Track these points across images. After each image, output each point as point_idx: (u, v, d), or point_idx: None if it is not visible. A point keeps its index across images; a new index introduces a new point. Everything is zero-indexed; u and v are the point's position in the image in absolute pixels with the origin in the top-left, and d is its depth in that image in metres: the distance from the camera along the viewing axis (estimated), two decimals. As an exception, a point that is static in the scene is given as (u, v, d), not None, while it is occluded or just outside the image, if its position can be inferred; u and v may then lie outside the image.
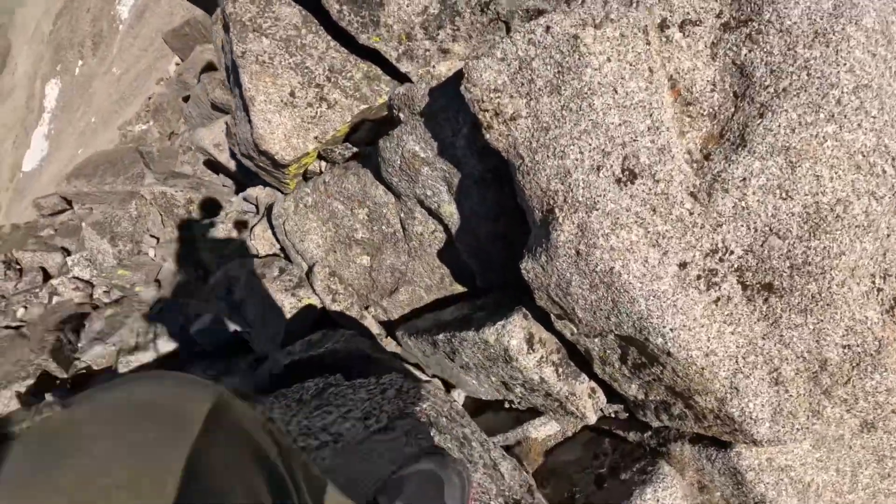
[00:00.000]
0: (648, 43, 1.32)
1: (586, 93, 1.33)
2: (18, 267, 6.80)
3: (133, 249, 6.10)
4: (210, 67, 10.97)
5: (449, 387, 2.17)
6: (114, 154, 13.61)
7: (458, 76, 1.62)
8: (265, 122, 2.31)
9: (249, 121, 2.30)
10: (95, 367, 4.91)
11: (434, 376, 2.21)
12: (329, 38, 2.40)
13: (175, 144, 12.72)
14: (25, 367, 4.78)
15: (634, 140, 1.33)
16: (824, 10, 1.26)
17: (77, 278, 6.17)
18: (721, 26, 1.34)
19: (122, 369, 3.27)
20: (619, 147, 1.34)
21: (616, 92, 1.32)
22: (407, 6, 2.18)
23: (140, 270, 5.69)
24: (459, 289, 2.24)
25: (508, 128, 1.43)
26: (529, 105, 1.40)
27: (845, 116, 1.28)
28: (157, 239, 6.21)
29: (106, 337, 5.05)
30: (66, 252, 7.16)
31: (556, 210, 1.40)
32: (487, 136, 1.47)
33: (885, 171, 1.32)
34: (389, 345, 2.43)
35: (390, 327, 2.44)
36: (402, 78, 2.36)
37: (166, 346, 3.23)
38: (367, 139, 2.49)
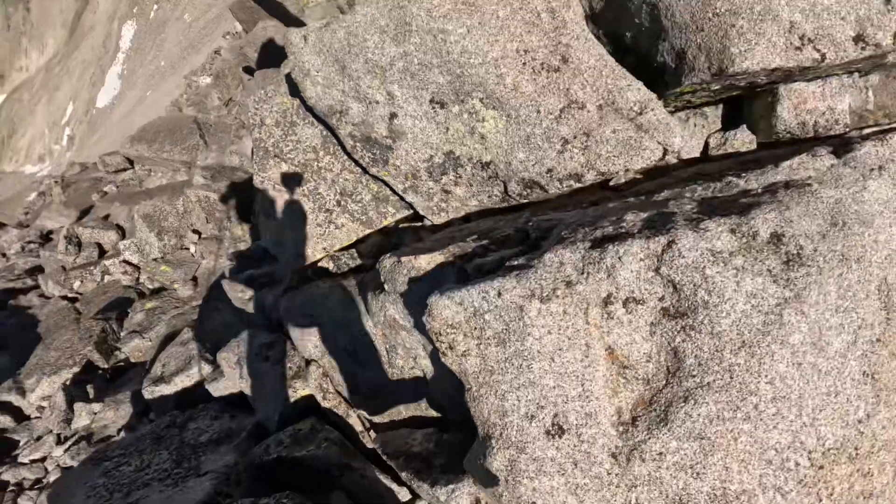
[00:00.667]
0: (588, 322, 1.44)
1: (526, 356, 1.47)
2: (78, 241, 7.40)
3: (177, 244, 6.55)
4: (271, 44, 11.27)
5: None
6: (174, 122, 14.19)
7: (434, 275, 1.77)
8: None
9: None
10: (133, 360, 5.43)
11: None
12: (344, 158, 2.57)
13: (230, 116, 13.17)
14: (73, 355, 5.32)
15: (566, 402, 1.47)
16: (753, 325, 1.34)
17: (126, 262, 6.69)
18: (662, 310, 1.44)
19: (147, 396, 3.64)
20: (552, 405, 1.48)
21: (553, 360, 1.46)
22: (414, 153, 2.31)
23: (181, 268, 6.13)
24: (433, 413, 2.44)
25: (461, 359, 1.59)
26: (479, 348, 1.55)
27: (762, 419, 1.37)
28: (199, 234, 6.63)
29: (144, 331, 5.54)
30: (121, 230, 7.72)
31: (493, 440, 1.57)
32: (443, 358, 1.63)
33: (798, 465, 1.41)
34: (369, 441, 2.67)
35: (374, 425, 2.67)
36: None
37: (186, 381, 3.58)
38: (372, 251, 2.68)
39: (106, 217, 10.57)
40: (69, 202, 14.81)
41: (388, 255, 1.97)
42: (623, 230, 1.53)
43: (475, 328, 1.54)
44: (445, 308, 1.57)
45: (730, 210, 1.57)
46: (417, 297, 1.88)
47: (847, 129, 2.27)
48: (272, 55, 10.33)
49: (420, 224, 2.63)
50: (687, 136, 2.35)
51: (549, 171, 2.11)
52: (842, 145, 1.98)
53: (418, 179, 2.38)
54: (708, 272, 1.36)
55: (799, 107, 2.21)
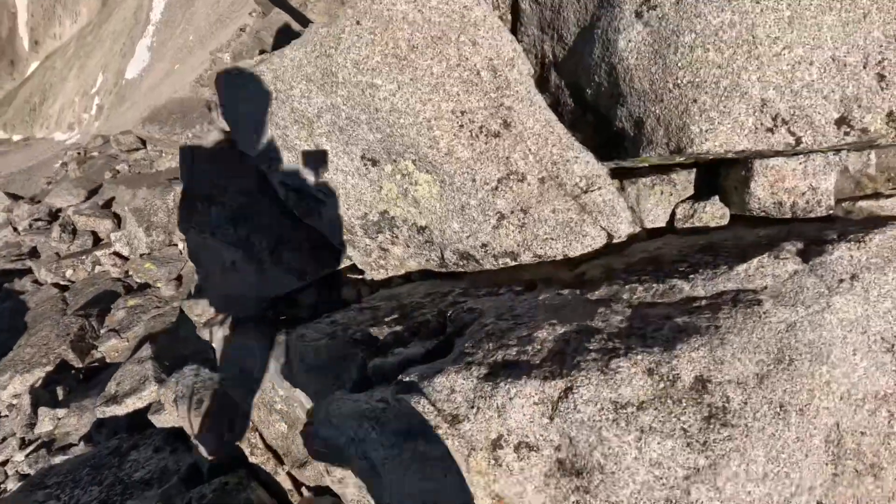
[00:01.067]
0: (469, 471, 1.24)
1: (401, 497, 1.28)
2: (73, 228, 7.40)
3: (165, 240, 6.48)
4: (287, 28, 11.05)
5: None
6: (186, 103, 14.18)
7: (335, 363, 1.58)
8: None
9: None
10: (108, 360, 5.40)
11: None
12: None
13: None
14: (48, 353, 5.31)
15: (442, 553, 1.28)
16: (655, 501, 1.13)
17: (117, 254, 6.66)
18: (557, 461, 1.24)
19: (99, 416, 3.57)
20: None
21: (429, 507, 1.27)
22: (347, 209, 2.11)
23: (165, 266, 6.06)
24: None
25: (339, 484, 1.41)
26: (354, 478, 1.37)
27: None
28: (190, 230, 6.52)
29: (122, 330, 5.50)
30: (117, 219, 7.70)
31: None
32: (325, 476, 1.45)
33: None
34: (296, 498, 2.53)
35: (300, 486, 2.53)
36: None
37: (137, 403, 3.49)
38: (312, 301, 2.51)
39: (110, 200, 10.64)
40: (83, 178, 14.98)
41: (286, 331, 1.79)
42: (526, 357, 1.31)
43: (350, 457, 1.36)
44: (325, 428, 1.39)
45: (657, 337, 1.35)
46: (315, 386, 1.71)
47: (830, 212, 2.00)
48: (288, 40, 10.12)
49: (361, 277, 2.45)
50: (652, 203, 2.10)
51: (484, 245, 1.90)
52: (814, 243, 1.72)
53: (354, 235, 2.19)
54: (605, 434, 1.15)
55: (776, 185, 1.94)
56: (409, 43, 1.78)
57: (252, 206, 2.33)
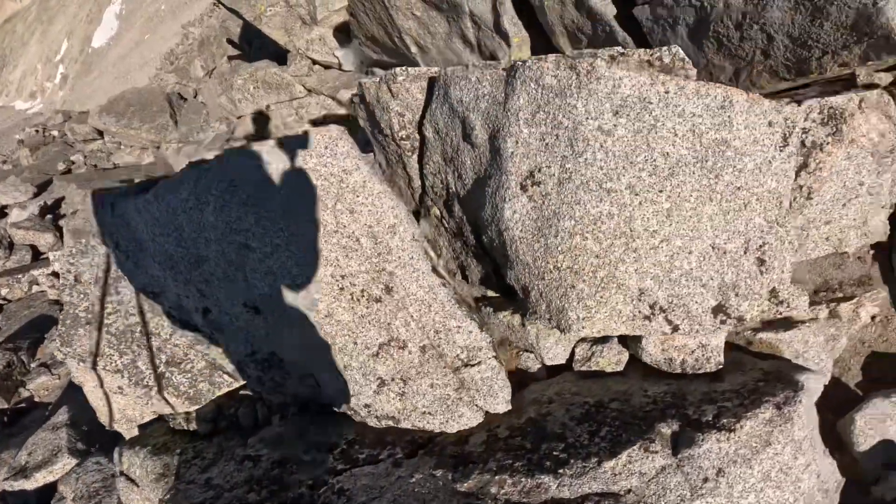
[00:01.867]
0: None
1: None
2: (10, 242, 7.10)
3: (105, 264, 6.26)
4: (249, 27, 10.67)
5: None
6: (146, 95, 13.69)
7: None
8: (98, 401, 2.27)
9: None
10: (37, 399, 5.23)
11: None
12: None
13: (200, 99, 12.73)
14: (-29, 392, 5.11)
15: None
16: None
17: (55, 274, 6.43)
18: None
19: (6, 488, 3.45)
20: None
21: None
22: (235, 346, 2.04)
23: (104, 294, 5.86)
24: None
25: None
26: None
27: None
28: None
29: (54, 366, 5.32)
30: (59, 232, 7.41)
31: None
32: None
33: None
34: None
35: None
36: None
37: (48, 477, 3.37)
38: (210, 415, 2.43)
39: (59, 200, 10.25)
40: (33, 168, 14.40)
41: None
42: None
43: None
44: None
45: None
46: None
47: (720, 366, 2.00)
48: (255, 31, 9.80)
49: (261, 399, 2.38)
50: (552, 342, 2.08)
51: (367, 406, 1.85)
52: (690, 424, 1.72)
53: (246, 367, 2.12)
54: None
55: (666, 342, 1.93)
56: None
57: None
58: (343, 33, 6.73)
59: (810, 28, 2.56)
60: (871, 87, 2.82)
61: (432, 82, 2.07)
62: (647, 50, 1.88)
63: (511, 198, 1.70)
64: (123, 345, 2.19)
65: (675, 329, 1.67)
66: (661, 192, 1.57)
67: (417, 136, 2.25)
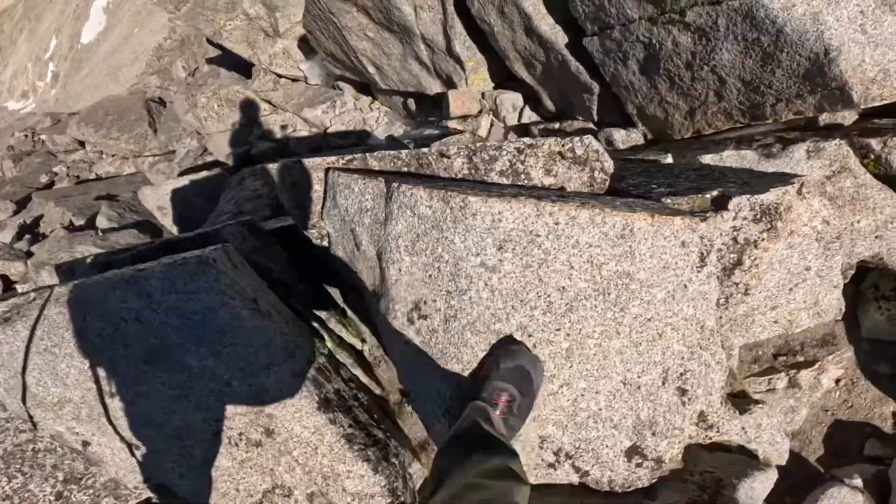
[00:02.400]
0: None
1: None
2: (-19, 272, 6.97)
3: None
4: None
5: None
6: (124, 103, 13.46)
7: None
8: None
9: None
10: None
11: None
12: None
13: (187, 95, 12.45)
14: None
15: None
16: None
17: (25, 307, 6.30)
18: None
19: None
20: None
21: None
22: (121, 473, 1.88)
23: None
24: None
25: None
26: None
27: None
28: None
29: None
30: (28, 259, 7.27)
31: None
32: None
33: None
34: None
35: None
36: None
37: None
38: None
39: (39, 218, 10.14)
40: (16, 181, 14.29)
41: None
42: None
43: None
44: None
45: None
46: None
47: (652, 481, 1.82)
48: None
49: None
50: None
51: (258, 550, 1.69)
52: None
53: (143, 490, 1.97)
54: None
55: (592, 462, 1.75)
56: (145, 350, 1.51)
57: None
58: (308, 44, 6.45)
59: (762, 74, 2.32)
60: (833, 127, 2.58)
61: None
62: (559, 140, 1.67)
63: (400, 328, 1.51)
64: (13, 467, 2.04)
65: (585, 475, 1.48)
66: (558, 330, 1.37)
67: (324, 226, 2.06)
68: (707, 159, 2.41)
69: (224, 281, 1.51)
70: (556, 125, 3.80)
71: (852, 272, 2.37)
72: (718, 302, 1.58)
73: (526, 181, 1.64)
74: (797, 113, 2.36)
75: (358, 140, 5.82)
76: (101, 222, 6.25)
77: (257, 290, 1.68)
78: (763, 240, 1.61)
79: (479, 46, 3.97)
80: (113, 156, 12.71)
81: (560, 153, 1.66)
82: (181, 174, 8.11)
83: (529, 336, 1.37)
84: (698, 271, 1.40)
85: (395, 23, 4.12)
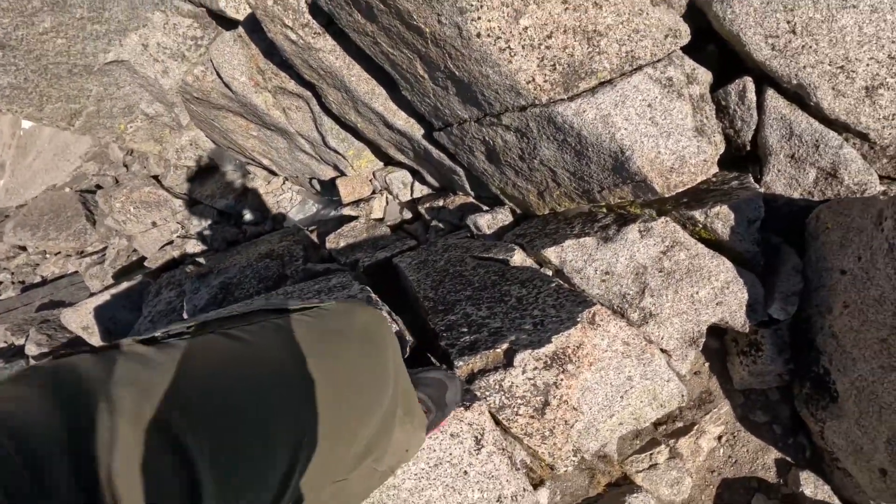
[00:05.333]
0: None
1: None
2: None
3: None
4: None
5: None
6: (57, 201, 13.27)
7: None
8: None
9: None
10: None
11: None
12: None
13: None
14: None
15: None
16: None
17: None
18: None
19: None
20: None
21: None
22: None
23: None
24: None
25: None
26: None
27: None
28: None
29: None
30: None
31: None
32: None
33: None
34: None
35: None
36: None
37: None
38: None
39: (-19, 339, 9.85)
40: (-37, 296, 13.90)
41: None
42: None
43: None
44: None
45: None
46: None
47: None
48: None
49: None
50: None
51: None
52: None
53: None
54: None
55: None
56: None
57: None
58: (213, 131, 6.43)
59: (581, 167, 2.40)
60: (664, 200, 2.65)
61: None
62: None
63: None
64: None
65: None
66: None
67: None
68: (550, 254, 2.46)
69: None
70: (441, 202, 3.85)
71: (703, 339, 2.44)
72: (517, 465, 1.61)
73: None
74: (621, 198, 2.43)
75: (274, 224, 5.82)
76: (31, 349, 6.11)
77: None
78: (561, 381, 1.64)
79: (356, 135, 4.02)
80: (57, 254, 12.50)
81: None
82: (115, 275, 8.01)
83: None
84: (476, 454, 1.43)
85: (270, 125, 4.16)
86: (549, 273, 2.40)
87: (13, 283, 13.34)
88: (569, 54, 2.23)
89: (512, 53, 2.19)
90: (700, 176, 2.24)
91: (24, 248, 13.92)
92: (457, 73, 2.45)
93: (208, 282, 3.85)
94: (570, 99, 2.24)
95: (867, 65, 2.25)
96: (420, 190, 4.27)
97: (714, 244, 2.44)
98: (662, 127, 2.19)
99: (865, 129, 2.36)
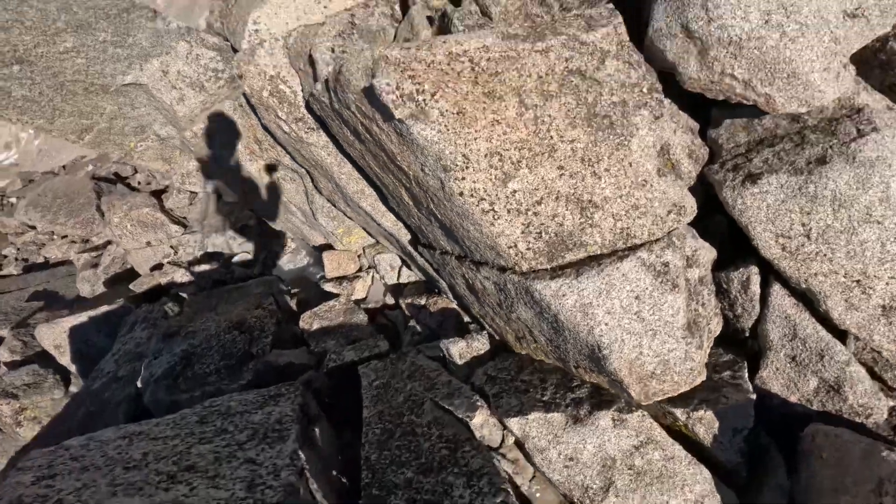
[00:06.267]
0: None
1: None
2: None
3: None
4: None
5: None
6: (72, 186, 13.37)
7: None
8: None
9: None
10: None
11: None
12: None
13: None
14: None
15: None
16: None
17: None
18: None
19: None
20: None
21: None
22: None
23: None
24: None
25: None
26: None
27: None
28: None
29: None
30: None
31: None
32: None
33: None
34: None
35: None
36: None
37: None
38: None
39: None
40: (-37, 268, 14.08)
41: None
42: None
43: None
44: None
45: None
46: None
47: None
48: None
49: None
50: None
51: None
52: None
53: None
54: None
55: None
56: None
57: None
58: (223, 160, 6.35)
59: (558, 339, 2.18)
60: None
61: None
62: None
63: None
64: None
65: None
66: None
67: None
68: (513, 424, 2.24)
69: None
70: (423, 300, 3.66)
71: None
72: None
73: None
74: (597, 381, 2.21)
75: (263, 268, 5.67)
76: (4, 354, 6.01)
77: None
78: None
79: (347, 215, 3.86)
80: (63, 237, 12.57)
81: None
82: (107, 282, 7.93)
83: None
84: None
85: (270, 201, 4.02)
86: (506, 454, 2.18)
87: (16, 259, 13.47)
88: (558, 223, 2.04)
89: (496, 216, 2.00)
90: (683, 387, 2.01)
91: (33, 227, 14.09)
92: (439, 216, 2.27)
93: (171, 347, 3.68)
94: (552, 273, 2.03)
95: (887, 283, 2.02)
96: (408, 276, 4.08)
97: (694, 444, 2.20)
98: (649, 324, 1.97)
99: (878, 346, 2.12)
